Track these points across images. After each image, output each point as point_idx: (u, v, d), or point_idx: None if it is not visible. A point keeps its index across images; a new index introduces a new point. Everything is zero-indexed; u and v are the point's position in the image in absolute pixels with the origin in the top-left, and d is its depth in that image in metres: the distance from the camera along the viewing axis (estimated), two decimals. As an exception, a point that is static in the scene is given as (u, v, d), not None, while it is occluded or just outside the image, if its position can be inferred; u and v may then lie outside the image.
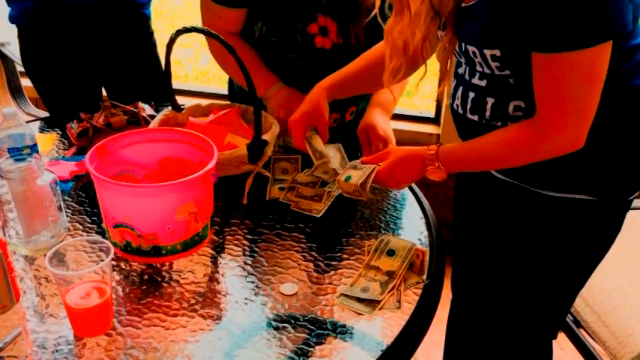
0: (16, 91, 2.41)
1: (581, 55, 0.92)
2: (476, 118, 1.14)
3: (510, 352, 1.38)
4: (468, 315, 1.49)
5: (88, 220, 1.24)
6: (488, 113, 1.11)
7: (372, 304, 1.02)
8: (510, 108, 1.08)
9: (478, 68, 1.09)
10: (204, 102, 1.52)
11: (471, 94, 1.13)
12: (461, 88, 1.16)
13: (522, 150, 1.05)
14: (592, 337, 1.52)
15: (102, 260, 0.96)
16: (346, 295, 1.04)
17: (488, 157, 1.09)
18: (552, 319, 1.34)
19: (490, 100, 1.10)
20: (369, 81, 1.32)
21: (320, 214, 1.26)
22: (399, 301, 1.03)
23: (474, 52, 1.06)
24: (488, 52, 1.03)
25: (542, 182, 1.13)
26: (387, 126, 1.41)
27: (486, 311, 1.47)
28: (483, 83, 1.10)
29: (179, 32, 1.24)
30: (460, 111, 1.17)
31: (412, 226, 1.26)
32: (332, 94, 1.30)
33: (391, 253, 1.11)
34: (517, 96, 1.06)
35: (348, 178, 1.18)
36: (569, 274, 1.24)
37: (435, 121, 2.55)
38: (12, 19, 1.76)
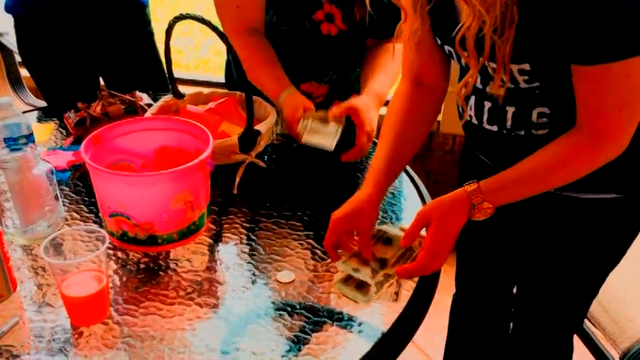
0: (15, 82, 2.40)
1: (635, 60, 0.88)
2: (495, 128, 1.07)
3: (527, 350, 1.35)
4: (472, 312, 1.48)
5: (86, 210, 1.24)
6: (509, 123, 1.04)
7: (367, 291, 1.01)
8: (534, 116, 1.02)
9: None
10: (206, 90, 1.52)
11: (487, 104, 1.06)
12: (473, 97, 1.09)
13: (578, 164, 0.97)
14: (592, 323, 1.51)
15: (98, 249, 0.96)
16: (343, 283, 1.03)
17: (541, 179, 1.00)
18: (572, 318, 1.31)
19: (510, 109, 1.03)
20: (402, 159, 1.15)
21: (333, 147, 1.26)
22: (396, 294, 1.02)
23: (494, 69, 0.97)
24: (515, 67, 0.96)
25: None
26: (374, 118, 1.35)
27: (497, 311, 1.47)
28: (501, 91, 1.01)
29: (177, 19, 1.23)
30: (475, 122, 1.10)
31: (411, 215, 1.24)
32: (382, 192, 1.10)
33: (388, 241, 1.09)
34: (541, 102, 1.01)
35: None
36: (589, 274, 1.20)
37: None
38: (8, 8, 1.75)
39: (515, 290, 1.42)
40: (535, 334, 1.31)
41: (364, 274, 1.01)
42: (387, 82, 1.46)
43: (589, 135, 0.95)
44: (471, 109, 1.11)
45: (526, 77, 0.97)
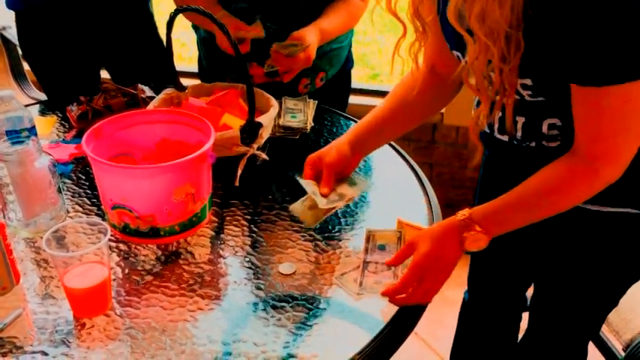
0: (18, 75, 2.41)
1: (635, 85, 0.84)
2: (506, 138, 1.06)
3: (540, 356, 1.34)
4: (483, 314, 1.48)
5: (88, 203, 1.24)
6: (519, 133, 1.03)
7: (316, 212, 1.07)
8: (544, 127, 1.00)
9: None
10: (208, 83, 1.52)
11: (497, 113, 1.03)
12: None
13: (573, 189, 0.93)
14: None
15: (100, 242, 0.96)
16: (297, 204, 1.10)
17: (535, 204, 0.96)
18: (589, 326, 1.28)
19: (520, 120, 1.02)
20: (395, 125, 1.18)
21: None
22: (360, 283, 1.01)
23: (501, 80, 0.95)
24: (518, 81, 0.94)
25: None
26: (313, 42, 1.44)
27: (508, 315, 1.46)
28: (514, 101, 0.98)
29: (177, 11, 1.23)
30: (487, 130, 1.09)
31: (413, 206, 1.25)
32: (354, 143, 1.14)
33: (382, 247, 1.08)
34: (551, 114, 0.99)
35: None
36: (609, 286, 1.17)
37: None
38: (9, 4, 1.75)
39: (528, 294, 1.41)
40: (550, 340, 1.29)
41: (319, 199, 1.08)
42: (334, 22, 1.50)
43: (585, 159, 0.92)
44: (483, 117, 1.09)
45: (529, 92, 0.96)
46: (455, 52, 1.05)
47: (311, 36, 1.45)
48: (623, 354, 1.43)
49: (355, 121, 1.58)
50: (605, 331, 1.50)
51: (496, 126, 1.06)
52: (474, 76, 0.95)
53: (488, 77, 0.94)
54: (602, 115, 0.88)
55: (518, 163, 1.07)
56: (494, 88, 0.94)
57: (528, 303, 1.41)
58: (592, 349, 1.49)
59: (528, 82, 0.94)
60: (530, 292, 1.36)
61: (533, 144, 1.03)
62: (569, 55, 0.86)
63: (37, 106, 1.68)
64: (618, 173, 0.92)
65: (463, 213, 0.97)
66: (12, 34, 2.30)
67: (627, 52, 0.83)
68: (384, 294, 0.98)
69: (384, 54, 3.72)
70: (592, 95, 0.88)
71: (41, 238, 1.08)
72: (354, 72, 1.82)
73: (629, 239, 1.09)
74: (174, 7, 1.30)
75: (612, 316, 1.46)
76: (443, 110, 2.44)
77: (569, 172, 0.94)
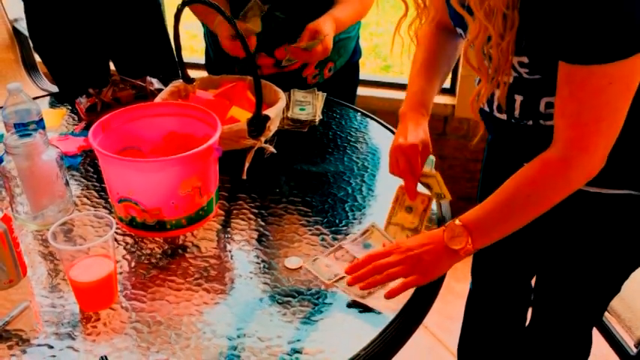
0: (30, 67, 2.42)
1: (620, 66, 0.84)
2: (504, 117, 1.06)
3: (545, 343, 1.33)
4: (489, 304, 1.47)
5: (96, 195, 1.24)
6: (517, 112, 1.03)
7: None
8: (542, 105, 1.00)
9: None
10: (216, 75, 1.51)
11: (497, 92, 1.03)
12: None
13: (549, 183, 0.93)
14: (607, 310, 1.49)
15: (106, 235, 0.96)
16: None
17: (512, 200, 0.95)
18: (592, 312, 1.28)
19: (518, 98, 1.02)
20: (436, 84, 1.20)
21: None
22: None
23: (498, 57, 0.95)
24: (515, 59, 0.95)
25: None
26: (330, 32, 1.44)
27: (514, 303, 1.46)
28: (510, 79, 1.00)
29: (185, 3, 1.23)
30: (486, 109, 1.09)
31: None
32: (426, 110, 1.17)
33: (367, 246, 1.09)
34: (548, 92, 0.98)
35: None
36: (611, 271, 1.17)
37: (450, 91, 2.51)
38: None
39: (533, 282, 1.40)
40: (554, 328, 1.29)
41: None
42: (347, 11, 1.51)
43: (560, 148, 0.92)
44: (483, 95, 1.08)
45: (526, 70, 0.96)
46: (458, 30, 1.05)
47: (327, 26, 1.44)
48: (635, 350, 1.41)
49: (363, 113, 1.57)
50: (617, 326, 1.49)
51: (495, 105, 1.07)
52: (473, 54, 0.96)
53: (488, 55, 0.94)
54: (583, 96, 0.88)
55: (519, 146, 1.07)
56: (493, 65, 0.94)
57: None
58: (604, 344, 1.48)
59: (525, 59, 0.94)
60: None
61: (530, 123, 1.03)
62: (559, 32, 0.86)
63: (48, 98, 1.68)
64: (592, 165, 0.92)
65: (452, 221, 0.98)
66: (24, 27, 2.31)
67: (613, 33, 0.82)
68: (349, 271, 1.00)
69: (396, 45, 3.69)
70: (577, 74, 0.87)
71: (48, 230, 1.08)
72: (366, 63, 1.82)
73: (630, 222, 1.09)
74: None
75: (624, 312, 1.44)
76: (455, 102, 2.42)
77: (544, 163, 0.94)
